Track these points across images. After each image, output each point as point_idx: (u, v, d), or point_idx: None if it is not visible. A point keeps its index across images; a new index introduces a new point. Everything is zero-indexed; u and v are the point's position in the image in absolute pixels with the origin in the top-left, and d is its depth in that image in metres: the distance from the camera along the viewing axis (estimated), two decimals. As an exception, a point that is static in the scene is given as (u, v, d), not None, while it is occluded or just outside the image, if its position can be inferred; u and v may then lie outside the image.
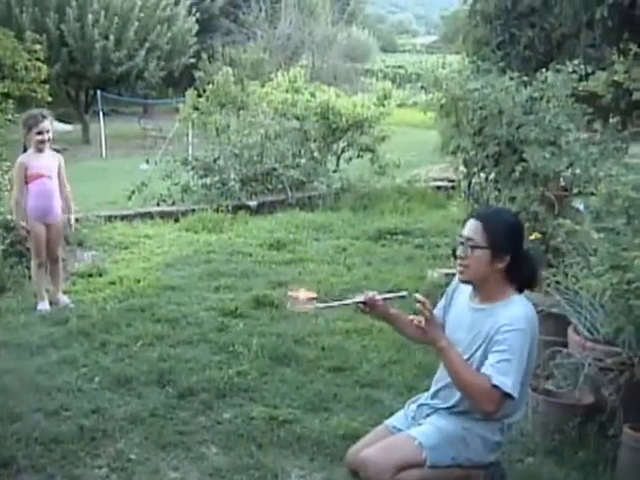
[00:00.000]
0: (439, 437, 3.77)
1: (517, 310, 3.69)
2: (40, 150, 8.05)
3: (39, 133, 7.99)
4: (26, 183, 8.03)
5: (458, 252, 3.83)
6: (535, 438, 5.13)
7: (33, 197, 8.05)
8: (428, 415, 3.95)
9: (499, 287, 3.79)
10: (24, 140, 8.17)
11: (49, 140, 8.10)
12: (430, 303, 3.67)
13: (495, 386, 3.55)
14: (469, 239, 3.77)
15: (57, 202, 8.21)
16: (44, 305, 8.07)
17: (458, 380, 3.65)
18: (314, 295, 3.98)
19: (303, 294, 3.94)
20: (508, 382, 3.55)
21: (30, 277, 8.43)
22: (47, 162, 8.12)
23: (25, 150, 8.16)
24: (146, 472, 4.84)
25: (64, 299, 8.25)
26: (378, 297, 3.97)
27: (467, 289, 3.92)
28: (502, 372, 3.56)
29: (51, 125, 8.19)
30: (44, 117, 8.11)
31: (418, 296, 3.64)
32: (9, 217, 9.09)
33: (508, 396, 3.56)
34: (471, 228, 3.80)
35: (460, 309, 3.94)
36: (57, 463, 4.88)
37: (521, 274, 3.81)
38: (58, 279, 8.37)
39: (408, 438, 3.80)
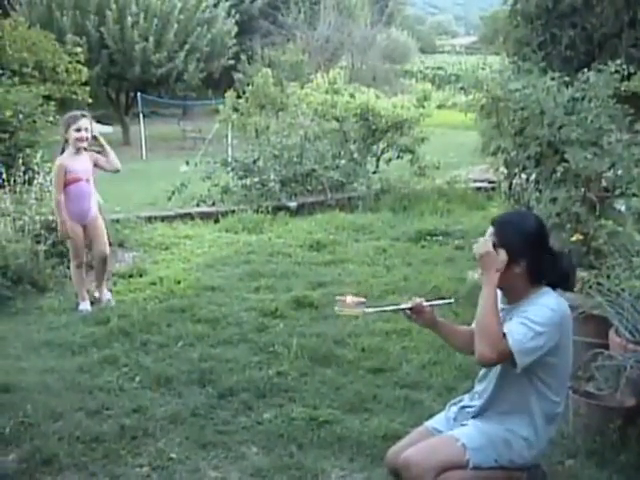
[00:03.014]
0: (482, 438, 3.74)
1: (548, 297, 3.70)
2: (78, 150, 8.11)
3: (77, 130, 8.05)
4: (65, 186, 8.11)
5: None
6: (576, 440, 5.08)
7: (71, 200, 8.13)
8: (471, 417, 3.93)
9: (526, 288, 3.76)
10: (63, 141, 8.23)
11: (87, 139, 8.16)
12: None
13: (504, 336, 3.56)
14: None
15: (94, 203, 8.37)
16: (85, 305, 8.15)
17: (481, 316, 3.65)
18: (362, 300, 3.98)
19: (351, 298, 3.95)
20: (519, 342, 3.55)
21: (71, 278, 8.51)
22: (84, 165, 8.18)
23: (63, 151, 8.23)
24: (186, 471, 4.87)
25: (107, 294, 8.36)
26: (425, 304, 3.98)
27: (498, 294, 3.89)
28: (517, 332, 3.57)
29: (90, 126, 8.24)
30: (83, 116, 8.21)
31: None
32: (51, 218, 9.17)
33: (511, 355, 3.56)
34: (488, 233, 3.81)
35: None
36: (99, 462, 4.93)
37: (543, 273, 3.76)
38: (102, 275, 8.42)
39: (451, 439, 3.78)
